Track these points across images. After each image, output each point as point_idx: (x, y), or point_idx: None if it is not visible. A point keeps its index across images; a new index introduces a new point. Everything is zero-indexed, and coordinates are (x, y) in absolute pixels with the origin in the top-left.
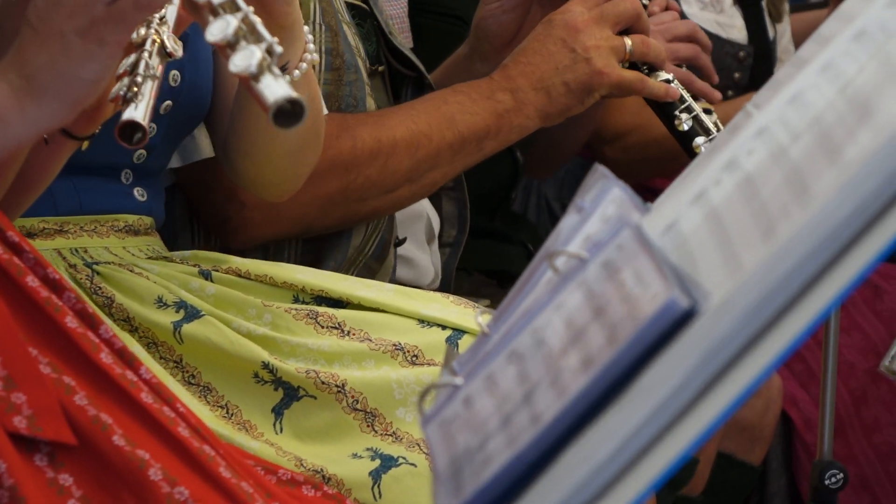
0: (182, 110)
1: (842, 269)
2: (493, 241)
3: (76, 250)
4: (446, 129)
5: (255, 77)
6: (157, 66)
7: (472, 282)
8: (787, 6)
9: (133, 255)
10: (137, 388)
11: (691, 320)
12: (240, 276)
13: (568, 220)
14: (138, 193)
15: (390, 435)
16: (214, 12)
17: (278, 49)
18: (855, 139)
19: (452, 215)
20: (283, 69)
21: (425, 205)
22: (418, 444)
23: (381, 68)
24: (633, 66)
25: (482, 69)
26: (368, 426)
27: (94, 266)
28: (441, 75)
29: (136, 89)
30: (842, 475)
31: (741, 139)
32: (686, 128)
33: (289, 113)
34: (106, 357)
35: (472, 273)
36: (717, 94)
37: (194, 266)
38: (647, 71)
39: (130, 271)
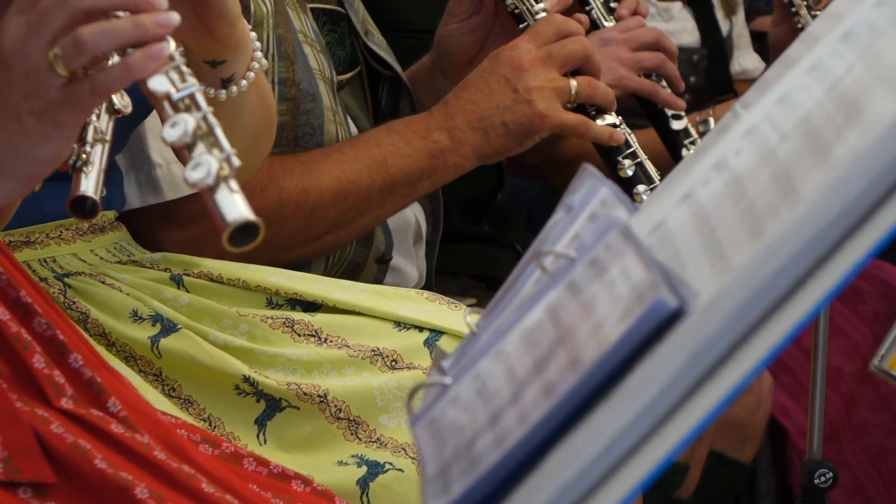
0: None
1: (830, 269)
2: (481, 244)
3: (45, 261)
4: (377, 174)
5: (212, 190)
6: (106, 127)
7: (459, 285)
8: None
9: (102, 258)
10: (106, 421)
11: (679, 320)
12: (212, 279)
13: (556, 220)
14: None
15: (374, 441)
16: (174, 106)
17: (236, 162)
18: (843, 139)
19: (427, 213)
20: (230, 80)
21: (413, 209)
22: (404, 449)
23: (354, 72)
24: (580, 107)
25: (444, 85)
26: (352, 434)
27: (66, 279)
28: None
29: (85, 157)
30: (831, 474)
31: (729, 139)
32: (629, 174)
33: (244, 231)
34: (67, 402)
35: (459, 277)
36: (682, 104)
37: (165, 270)
38: (594, 112)
39: (102, 283)
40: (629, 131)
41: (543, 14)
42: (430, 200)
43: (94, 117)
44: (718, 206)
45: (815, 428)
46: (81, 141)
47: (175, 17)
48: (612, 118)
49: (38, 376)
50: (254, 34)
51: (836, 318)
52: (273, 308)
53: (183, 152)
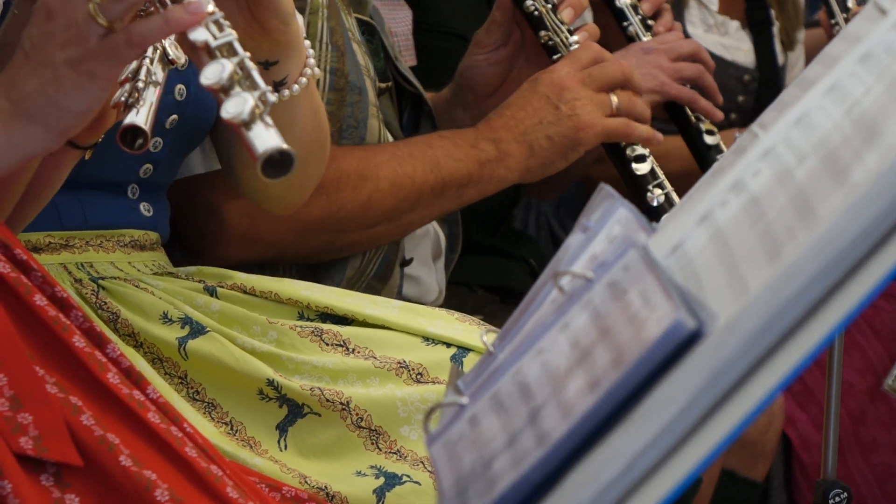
0: (187, 124)
1: (848, 292)
2: (495, 256)
3: (81, 265)
4: (430, 172)
5: (247, 125)
6: (159, 72)
7: (474, 298)
8: (801, 35)
9: (138, 270)
10: (145, 407)
11: (697, 342)
12: (245, 292)
13: (573, 240)
14: (144, 209)
15: (394, 453)
16: (211, 54)
17: (271, 98)
18: (861, 161)
19: (445, 233)
20: (283, 83)
21: (433, 222)
22: (422, 462)
23: (388, 84)
24: (614, 145)
25: (463, 116)
26: (373, 444)
27: (100, 281)
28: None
29: (137, 95)
30: (846, 494)
31: (747, 160)
32: (656, 204)
33: (277, 163)
34: (113, 377)
35: (474, 289)
36: (719, 114)
37: (199, 282)
38: (625, 145)
39: (136, 286)
40: (656, 162)
41: (576, 46)
42: (448, 223)
43: (147, 60)
44: (736, 227)
45: (830, 447)
46: (134, 80)
47: None
48: (641, 149)
49: (80, 355)
50: (308, 42)
51: (853, 331)
52: (304, 321)
53: (220, 95)
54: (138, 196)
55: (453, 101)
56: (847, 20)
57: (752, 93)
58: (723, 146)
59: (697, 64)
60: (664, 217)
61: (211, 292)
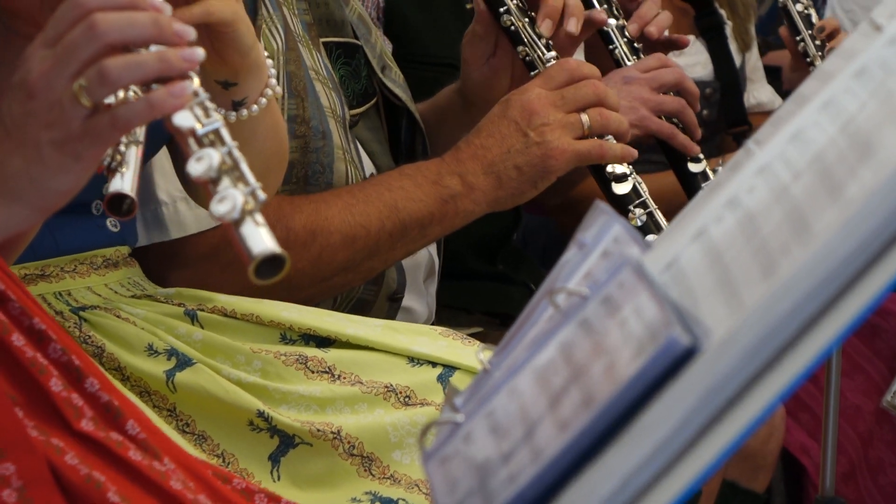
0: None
1: (843, 308)
2: (496, 283)
3: (60, 294)
4: (387, 218)
5: (237, 223)
6: (139, 130)
7: (471, 320)
8: (752, 30)
9: (116, 292)
10: (124, 447)
11: (692, 358)
12: (226, 315)
13: (569, 257)
14: (110, 224)
15: (388, 478)
16: (198, 141)
17: (261, 195)
18: (856, 177)
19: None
20: (242, 103)
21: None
22: (417, 486)
23: (369, 105)
24: (595, 166)
25: (478, 116)
26: (366, 470)
27: (81, 312)
28: (434, 113)
29: (120, 158)
30: None
31: (742, 176)
32: (640, 223)
33: (269, 265)
34: (87, 424)
35: (472, 312)
36: (697, 149)
37: (179, 305)
38: (606, 165)
39: (117, 317)
40: (640, 180)
41: (554, 62)
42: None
43: None
44: (731, 243)
45: (829, 463)
46: (116, 142)
47: (200, 53)
48: (623, 168)
49: (55, 399)
50: (270, 61)
51: (854, 355)
52: (287, 343)
53: (208, 186)
54: (102, 212)
55: (468, 107)
56: (813, 37)
57: (715, 104)
58: (709, 173)
59: (679, 98)
60: (661, 234)
61: (192, 317)
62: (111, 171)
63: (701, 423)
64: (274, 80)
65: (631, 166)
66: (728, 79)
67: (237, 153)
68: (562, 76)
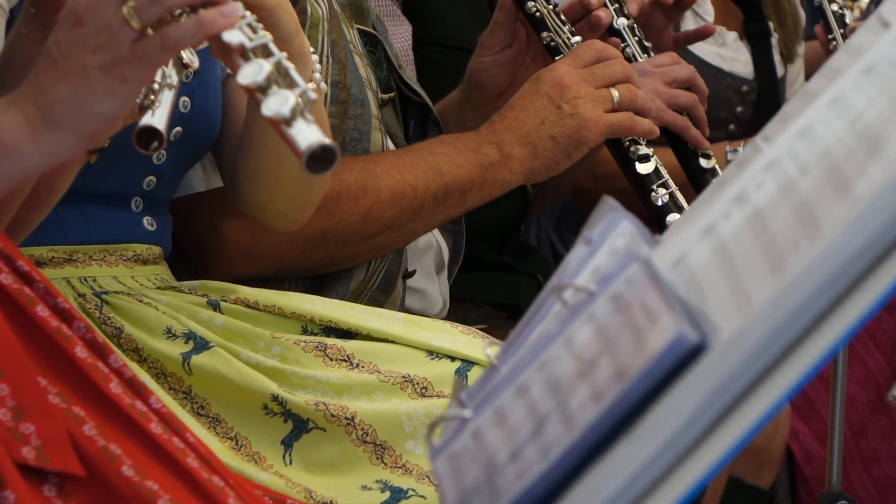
0: (192, 137)
1: (852, 304)
2: (503, 273)
3: (85, 279)
4: (432, 180)
5: (287, 122)
6: (174, 75)
7: (480, 313)
8: (801, 49)
9: (141, 284)
10: (147, 418)
11: (700, 355)
12: (248, 306)
13: (576, 253)
14: (147, 223)
15: (400, 467)
16: (245, 56)
17: (312, 95)
18: (864, 173)
19: (448, 244)
20: None
21: (435, 234)
22: (428, 477)
23: (391, 95)
24: (616, 142)
25: (473, 117)
26: (378, 458)
27: (103, 296)
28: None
29: (153, 97)
30: None
31: (750, 173)
32: (662, 203)
33: (320, 158)
34: (115, 387)
35: (480, 305)
36: (707, 144)
37: (203, 296)
38: (629, 142)
39: (139, 301)
40: (660, 163)
41: (581, 43)
42: (453, 235)
43: (162, 66)
44: (740, 240)
45: (835, 459)
46: (150, 82)
47: None
48: (645, 149)
49: (82, 365)
50: (315, 56)
51: (854, 344)
52: (308, 335)
53: (257, 95)
54: (141, 209)
55: (463, 103)
56: (845, 36)
57: (751, 104)
58: (718, 170)
59: (692, 93)
60: (667, 231)
61: (214, 307)
62: (143, 108)
63: (709, 420)
64: (319, 76)
65: (652, 148)
66: (767, 85)
67: (286, 63)
68: (589, 55)
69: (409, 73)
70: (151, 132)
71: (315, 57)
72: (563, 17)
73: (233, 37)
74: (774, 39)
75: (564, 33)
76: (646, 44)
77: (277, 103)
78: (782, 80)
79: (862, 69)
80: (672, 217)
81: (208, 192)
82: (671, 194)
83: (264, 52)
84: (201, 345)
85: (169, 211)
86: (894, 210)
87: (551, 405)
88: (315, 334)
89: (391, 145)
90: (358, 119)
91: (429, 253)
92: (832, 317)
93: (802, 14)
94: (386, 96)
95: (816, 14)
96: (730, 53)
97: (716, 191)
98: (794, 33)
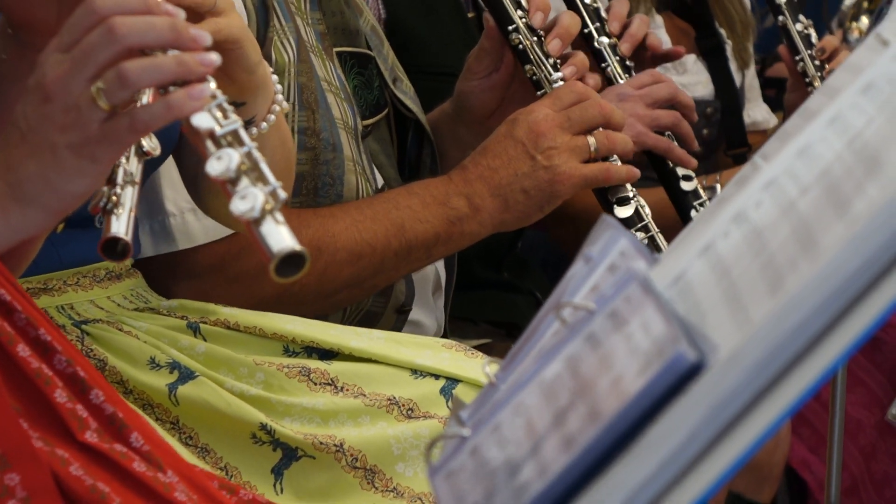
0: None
1: (850, 323)
2: (501, 291)
3: (62, 308)
4: (393, 237)
5: (257, 222)
6: (135, 169)
7: (478, 332)
8: (751, 48)
9: (119, 305)
10: (128, 458)
11: (699, 373)
12: (228, 327)
13: (575, 271)
14: None
15: (391, 491)
16: (216, 142)
17: (282, 194)
18: (863, 192)
19: (444, 261)
20: (251, 122)
21: None
22: (420, 499)
23: (382, 115)
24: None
25: (465, 134)
26: (369, 483)
27: (83, 326)
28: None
29: (115, 199)
30: None
31: (749, 191)
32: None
33: (290, 263)
34: (91, 435)
35: (478, 324)
36: (694, 163)
37: (181, 318)
38: (609, 188)
39: (119, 330)
40: (643, 203)
41: (561, 83)
42: (446, 263)
43: (123, 159)
44: (738, 258)
45: (833, 479)
46: (111, 183)
47: (216, 58)
48: (625, 191)
49: (60, 411)
50: (275, 76)
51: (854, 368)
52: (289, 356)
53: (226, 187)
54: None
55: (456, 120)
56: (812, 57)
57: (716, 124)
58: (700, 192)
59: (674, 112)
60: (665, 248)
61: (195, 330)
62: (107, 212)
63: (707, 438)
64: (280, 96)
65: (634, 188)
66: (729, 99)
67: (256, 153)
68: (570, 97)
69: (406, 85)
70: (117, 240)
71: (275, 77)
72: (546, 48)
73: (202, 121)
74: (729, 48)
75: (546, 68)
76: (627, 63)
77: (247, 204)
78: (741, 89)
79: (861, 88)
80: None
81: (157, 257)
82: (651, 238)
83: (234, 138)
84: (186, 375)
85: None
86: (893, 229)
87: (550, 424)
88: (297, 354)
89: (369, 187)
90: (330, 164)
91: (426, 284)
92: (831, 335)
93: (751, 17)
94: (371, 121)
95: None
96: (690, 79)
97: (715, 209)
98: (746, 38)
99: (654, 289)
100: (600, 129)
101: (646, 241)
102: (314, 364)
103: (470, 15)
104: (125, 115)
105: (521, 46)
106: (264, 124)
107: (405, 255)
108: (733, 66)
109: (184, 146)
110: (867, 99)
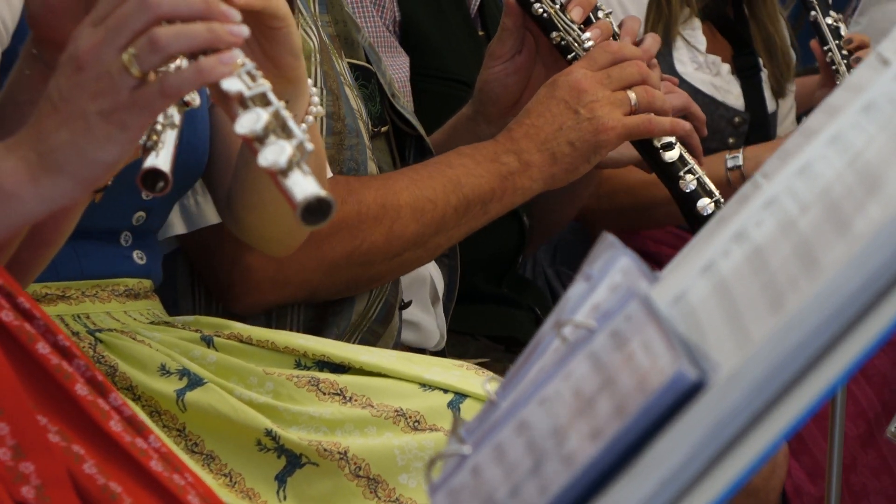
0: (180, 168)
1: (852, 342)
2: (501, 306)
3: (78, 317)
4: (451, 193)
5: (284, 173)
6: (175, 114)
7: (478, 347)
8: (792, 86)
9: (135, 319)
10: (147, 456)
11: (700, 392)
12: (241, 341)
13: (576, 289)
14: (137, 256)
15: (393, 501)
16: (244, 104)
17: (309, 146)
18: (864, 212)
19: (444, 277)
20: None
21: (429, 267)
22: None
23: (384, 129)
24: (644, 142)
25: (487, 131)
26: (371, 493)
27: (97, 334)
28: (445, 136)
29: (156, 138)
30: None
31: (750, 210)
32: (691, 188)
33: (316, 210)
34: (115, 425)
35: (478, 338)
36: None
37: (196, 331)
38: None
39: (133, 339)
40: (685, 150)
41: (591, 43)
42: (448, 269)
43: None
44: (739, 277)
45: (833, 499)
46: (153, 123)
47: (246, 30)
48: (667, 138)
49: (82, 403)
50: (310, 80)
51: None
52: (301, 369)
53: (254, 144)
54: (131, 243)
55: (476, 118)
56: (840, 47)
57: (742, 135)
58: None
59: (687, 122)
60: (666, 267)
61: (208, 342)
62: (147, 150)
63: (708, 458)
64: (316, 99)
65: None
66: (759, 118)
67: (284, 112)
68: (605, 58)
69: (405, 102)
70: (157, 174)
71: (310, 80)
72: (570, 16)
73: (231, 85)
74: (764, 75)
75: (574, 31)
76: None
77: (274, 154)
78: (773, 115)
79: (861, 107)
80: (703, 202)
81: (223, 234)
82: (699, 179)
83: (262, 100)
84: (195, 381)
85: (188, 245)
86: (894, 248)
87: (551, 442)
88: (308, 368)
89: None
90: (354, 149)
91: (423, 286)
92: (832, 354)
93: (793, 53)
94: (378, 130)
95: (812, 31)
96: (723, 84)
97: (715, 228)
98: (786, 69)
99: (655, 307)
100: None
101: (694, 182)
102: (324, 376)
103: (480, 33)
104: (156, 81)
105: (545, 14)
106: (303, 125)
107: (464, 212)
108: (767, 92)
109: (211, 170)
110: (868, 118)
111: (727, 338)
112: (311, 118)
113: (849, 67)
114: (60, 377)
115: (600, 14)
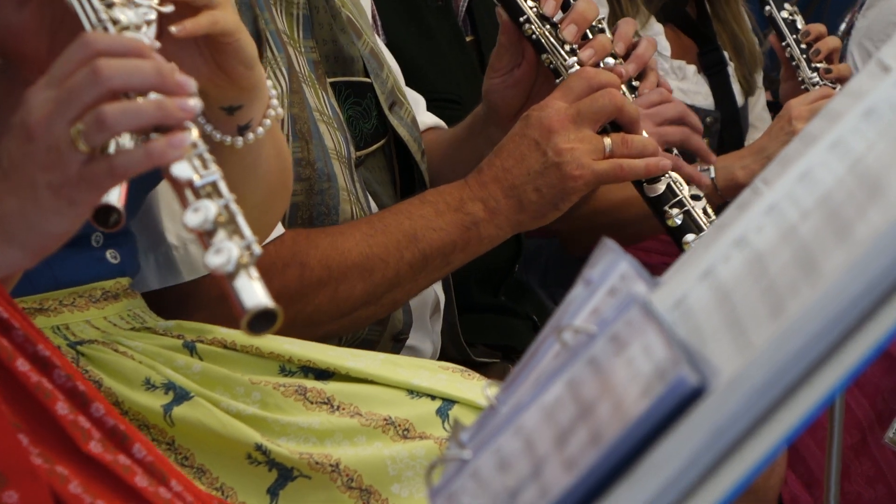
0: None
1: (851, 348)
2: (499, 315)
3: (58, 328)
4: (406, 248)
5: (231, 277)
6: (128, 144)
7: (476, 354)
8: (759, 80)
9: (115, 325)
10: (131, 472)
11: (700, 397)
12: (225, 346)
13: (576, 294)
14: (111, 256)
15: None
16: (195, 193)
17: (257, 249)
18: (865, 217)
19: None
20: (247, 127)
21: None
22: None
23: (379, 144)
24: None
25: (496, 133)
26: (364, 503)
27: (78, 347)
28: (464, 131)
29: None
30: None
31: (750, 216)
32: (678, 223)
33: (262, 318)
34: (95, 446)
35: (476, 346)
36: (706, 180)
37: (178, 337)
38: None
39: (115, 350)
40: (675, 178)
41: (576, 68)
42: (442, 282)
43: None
44: (739, 283)
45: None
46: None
47: (198, 105)
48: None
49: (62, 423)
50: (269, 81)
51: None
52: (286, 375)
53: (203, 238)
54: (102, 244)
55: (486, 120)
56: (798, 41)
57: (715, 134)
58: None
59: (682, 127)
60: (666, 272)
61: (191, 349)
62: None
63: (708, 462)
64: (276, 101)
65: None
66: (729, 114)
67: (234, 206)
68: (580, 86)
69: (405, 111)
70: (109, 209)
71: (269, 82)
72: (561, 35)
73: (181, 171)
74: (731, 69)
75: (560, 55)
76: (634, 83)
77: (222, 258)
78: (743, 109)
79: (862, 113)
80: (690, 237)
81: (165, 289)
82: (686, 213)
83: (213, 189)
84: (181, 395)
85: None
86: (894, 255)
87: (551, 446)
88: (293, 374)
89: (373, 207)
90: (325, 194)
91: (425, 308)
92: (832, 360)
93: (758, 46)
94: (366, 151)
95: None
96: (691, 87)
97: (716, 233)
98: (752, 63)
99: (656, 312)
100: (620, 132)
101: (681, 216)
102: (310, 383)
103: (468, 38)
104: (104, 159)
105: (534, 36)
106: (260, 129)
107: (422, 266)
108: (736, 87)
109: None
110: (868, 124)
111: (727, 343)
112: (268, 121)
113: (808, 61)
114: (41, 396)
115: (603, 25)
